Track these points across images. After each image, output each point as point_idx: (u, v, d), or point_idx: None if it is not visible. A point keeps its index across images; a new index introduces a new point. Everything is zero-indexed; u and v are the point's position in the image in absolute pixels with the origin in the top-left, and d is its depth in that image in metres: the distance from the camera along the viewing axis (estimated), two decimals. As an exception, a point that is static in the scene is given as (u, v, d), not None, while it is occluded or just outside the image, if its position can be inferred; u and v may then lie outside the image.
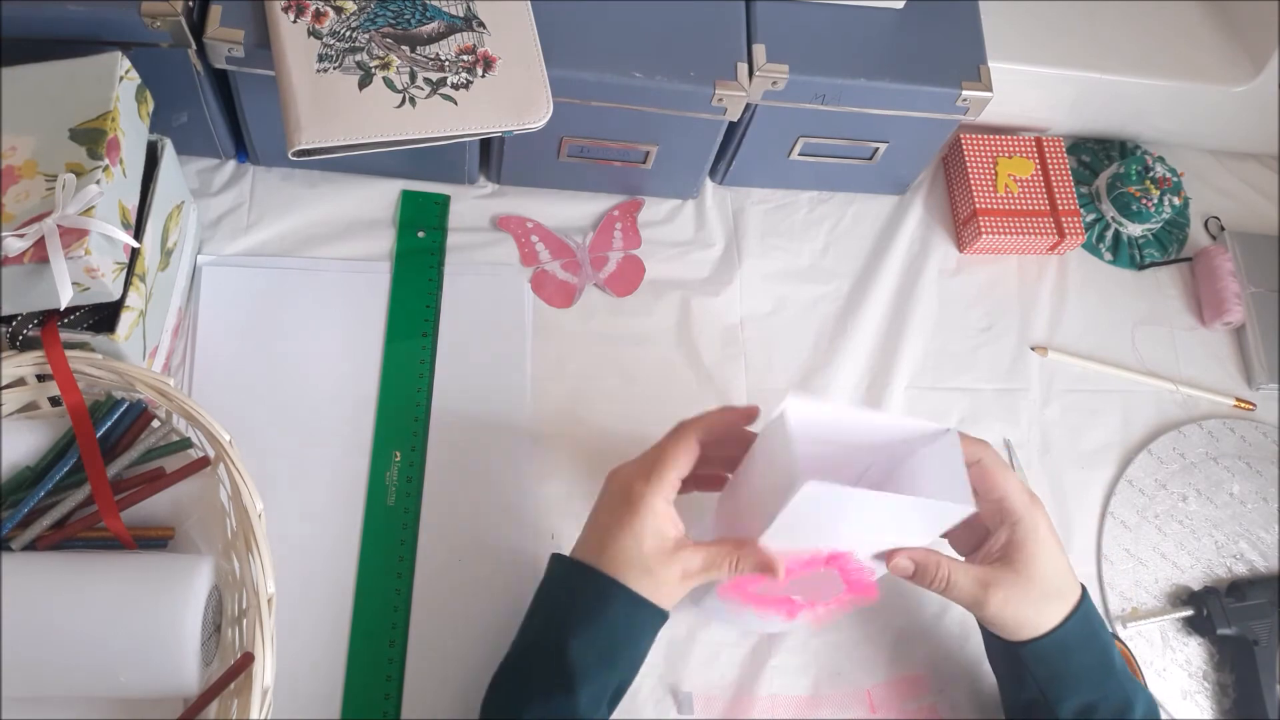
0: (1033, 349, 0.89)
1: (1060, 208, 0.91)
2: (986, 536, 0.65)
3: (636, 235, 0.86)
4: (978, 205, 0.90)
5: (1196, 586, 0.81)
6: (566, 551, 0.73)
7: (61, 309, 0.60)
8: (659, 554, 0.59)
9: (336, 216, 0.82)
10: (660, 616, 0.60)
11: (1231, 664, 0.78)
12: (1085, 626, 0.64)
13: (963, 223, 0.92)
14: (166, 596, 0.57)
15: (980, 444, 0.65)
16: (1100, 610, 0.79)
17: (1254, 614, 0.78)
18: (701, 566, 0.60)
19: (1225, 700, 0.78)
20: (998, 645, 0.66)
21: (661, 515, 0.60)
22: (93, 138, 0.60)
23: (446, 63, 0.69)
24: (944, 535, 0.67)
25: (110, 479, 0.62)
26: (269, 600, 0.57)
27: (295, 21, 0.68)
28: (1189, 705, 0.77)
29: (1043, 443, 0.85)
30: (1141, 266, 0.95)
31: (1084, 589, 0.65)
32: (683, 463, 0.61)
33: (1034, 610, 0.63)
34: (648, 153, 0.81)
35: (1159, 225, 0.95)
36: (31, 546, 0.61)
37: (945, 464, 0.60)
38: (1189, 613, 0.79)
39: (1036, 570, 0.62)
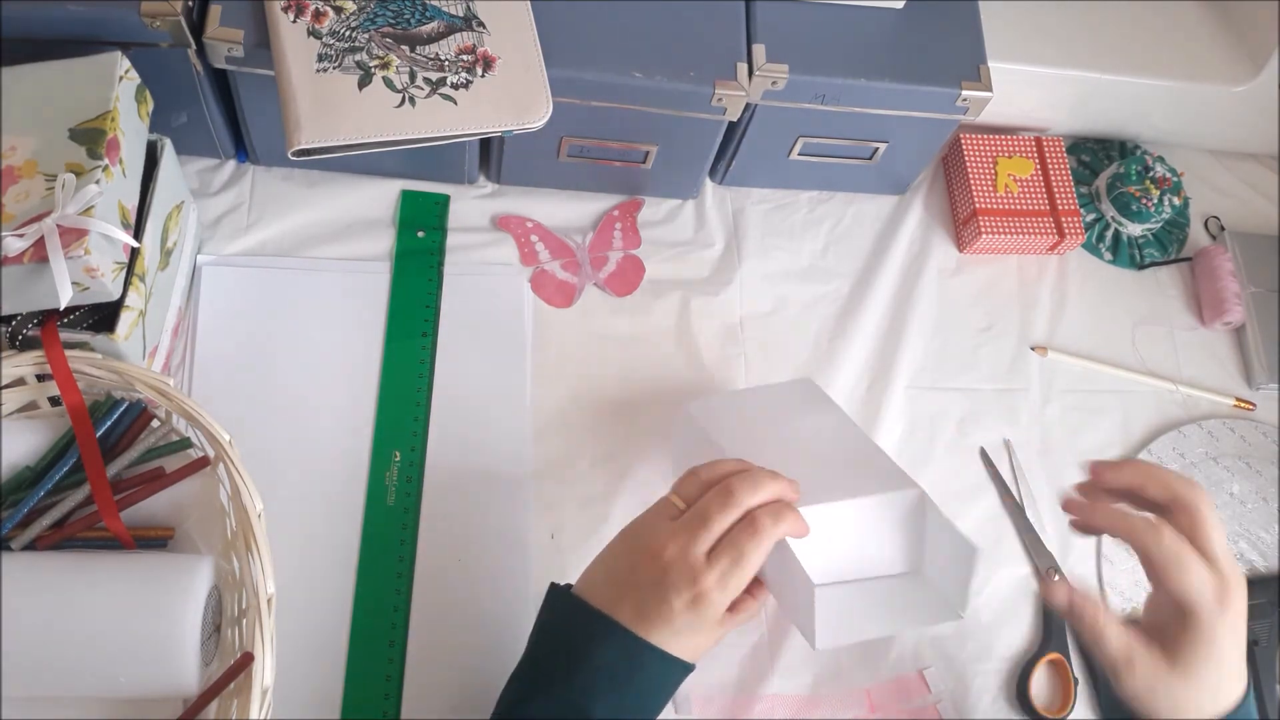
0: (1033, 349, 0.89)
1: (1060, 208, 0.91)
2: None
3: (636, 235, 0.86)
4: (978, 205, 0.90)
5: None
6: (564, 549, 0.74)
7: (61, 309, 0.60)
8: (709, 636, 0.57)
9: (336, 216, 0.82)
10: (690, 670, 0.58)
11: None
12: None
13: (963, 223, 0.92)
14: (166, 596, 0.57)
15: (1151, 530, 0.56)
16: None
17: (1253, 614, 0.78)
18: (741, 623, 0.60)
19: None
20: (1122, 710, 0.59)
21: (721, 619, 0.57)
22: (92, 138, 0.60)
23: (446, 62, 0.69)
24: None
25: (110, 479, 0.62)
26: (269, 600, 0.57)
27: (295, 21, 0.68)
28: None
29: (1043, 443, 0.85)
30: (1141, 266, 0.95)
31: (1248, 687, 0.58)
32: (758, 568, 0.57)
33: (1174, 703, 0.56)
34: (648, 153, 0.81)
35: (1159, 225, 0.95)
36: (31, 546, 0.61)
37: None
38: None
39: (1193, 670, 0.56)
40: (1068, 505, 0.60)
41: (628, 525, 0.61)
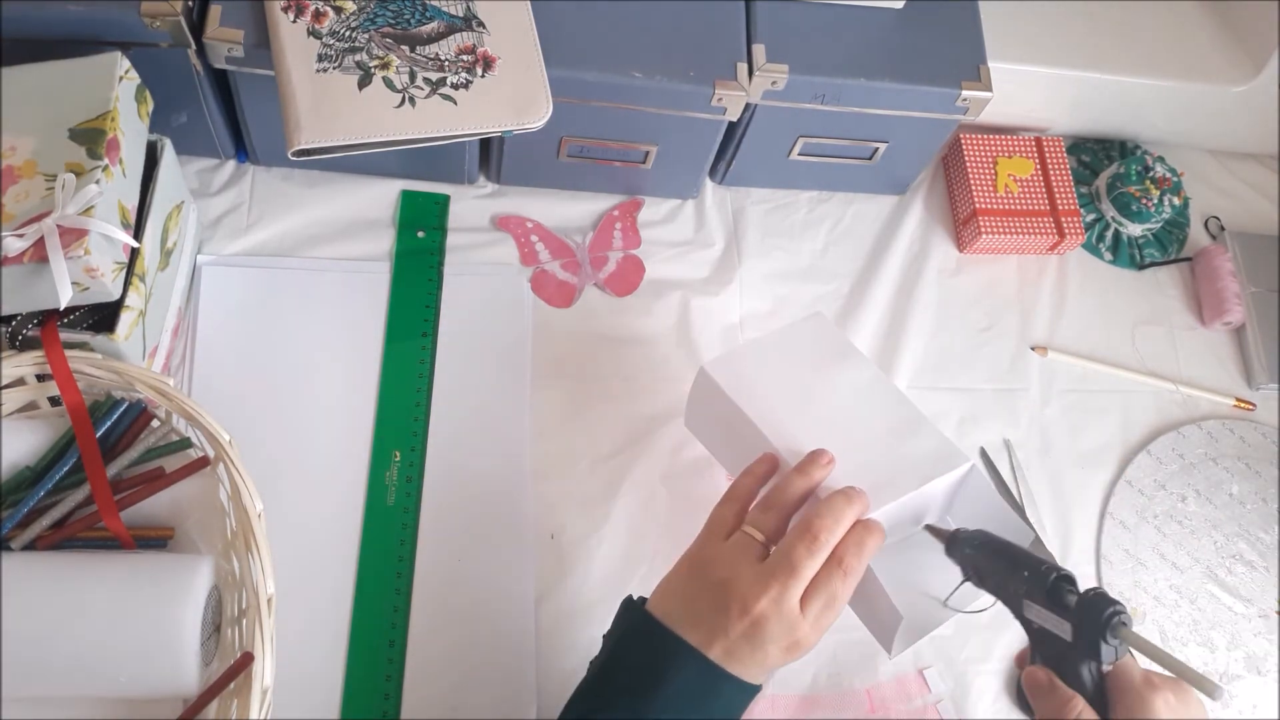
0: (1033, 349, 0.89)
1: (1060, 208, 0.91)
2: None
3: (636, 235, 0.86)
4: (977, 205, 0.90)
5: (1152, 566, 0.81)
6: (564, 549, 0.74)
7: (61, 309, 0.60)
8: (782, 654, 0.56)
9: (336, 216, 0.82)
10: (758, 691, 0.57)
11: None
12: None
13: (962, 223, 0.92)
14: (166, 596, 0.57)
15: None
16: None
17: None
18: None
19: None
20: None
21: (795, 623, 0.56)
22: (92, 138, 0.60)
23: (446, 63, 0.69)
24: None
25: (110, 479, 0.62)
26: (269, 600, 0.57)
27: (295, 21, 0.68)
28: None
29: (1042, 443, 0.85)
30: (1141, 266, 0.95)
31: None
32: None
33: None
34: (648, 153, 0.81)
35: (1159, 225, 0.95)
36: (31, 546, 0.61)
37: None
38: None
39: None
40: None
41: (701, 551, 0.59)
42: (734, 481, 0.62)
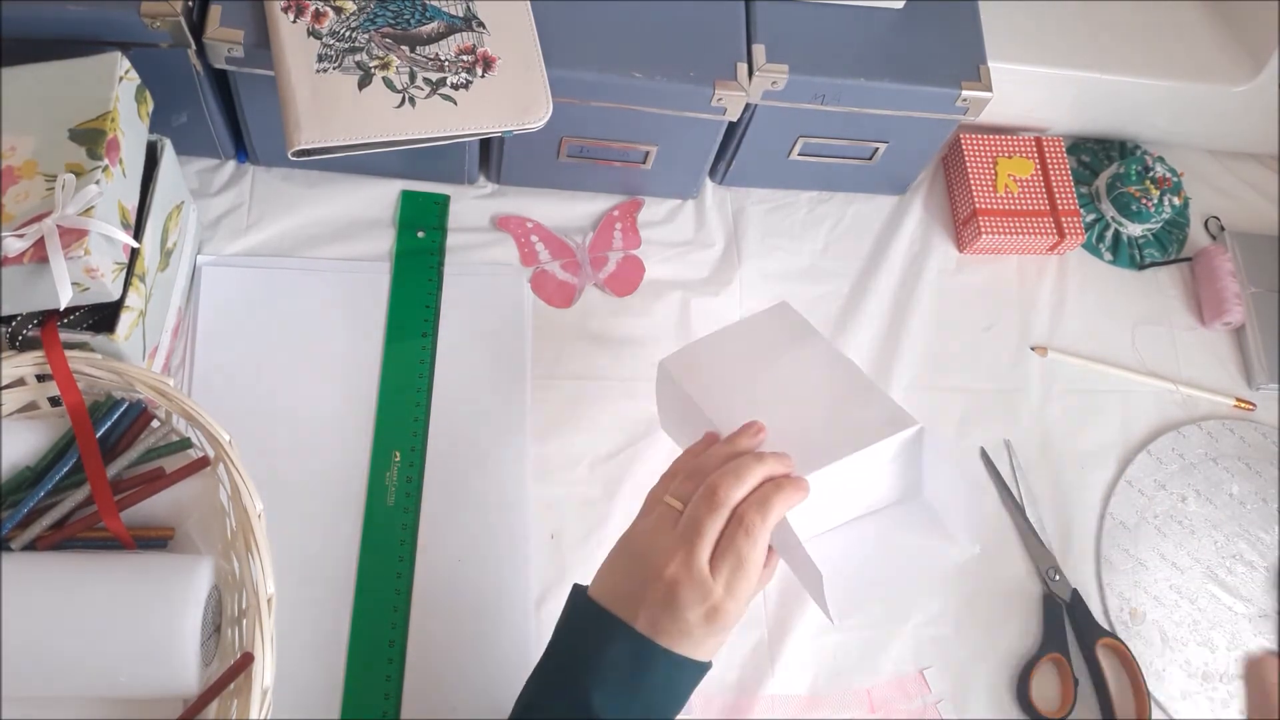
0: (1033, 349, 0.89)
1: (1060, 208, 0.91)
2: None
3: (636, 235, 0.86)
4: (978, 205, 0.90)
5: (1151, 567, 0.81)
6: (564, 549, 0.74)
7: (61, 309, 0.60)
8: (704, 622, 0.55)
9: (336, 216, 0.82)
10: (705, 670, 0.57)
11: None
12: None
13: (963, 223, 0.92)
14: (166, 596, 0.57)
15: None
16: (1099, 613, 0.79)
17: None
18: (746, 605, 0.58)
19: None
20: None
21: (742, 611, 0.57)
22: (92, 138, 0.60)
23: (446, 63, 0.69)
24: None
25: (110, 479, 0.62)
26: (269, 600, 0.57)
27: (295, 21, 0.68)
28: (1188, 706, 0.77)
29: (1042, 443, 0.85)
30: (1141, 266, 0.95)
31: None
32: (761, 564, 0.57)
33: None
34: (648, 153, 0.81)
35: (1159, 225, 0.95)
36: (31, 546, 0.61)
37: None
38: None
39: None
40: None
41: (629, 529, 0.60)
42: (673, 461, 0.62)
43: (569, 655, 0.57)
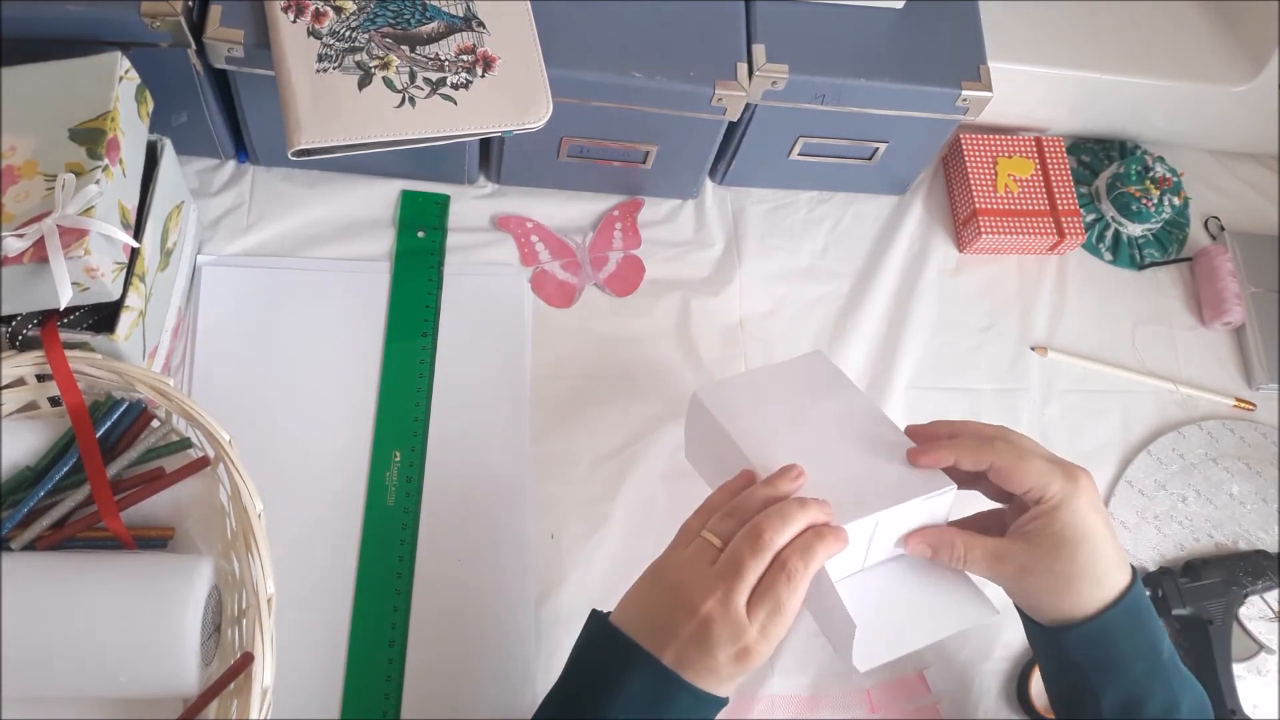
0: (1033, 349, 0.89)
1: (1060, 208, 0.91)
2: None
3: (636, 235, 0.86)
4: (978, 205, 0.90)
5: (1152, 567, 0.82)
6: (564, 549, 0.74)
7: (61, 309, 0.60)
8: (732, 663, 0.55)
9: (336, 216, 0.82)
10: (724, 705, 0.56)
11: (1188, 644, 0.78)
12: (1131, 617, 0.60)
13: (963, 223, 0.92)
14: (166, 596, 0.57)
15: (986, 446, 0.61)
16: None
17: (1208, 593, 0.79)
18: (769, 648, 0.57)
19: None
20: (1034, 626, 0.63)
21: (741, 628, 0.55)
22: (92, 138, 0.60)
23: (446, 63, 0.69)
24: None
25: (110, 479, 0.62)
26: (269, 600, 0.57)
27: (295, 21, 0.68)
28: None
29: (1042, 443, 0.84)
30: (1141, 266, 0.95)
31: (1134, 576, 0.61)
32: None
33: (1059, 594, 0.60)
34: (648, 153, 0.81)
35: (1159, 225, 0.95)
36: (31, 546, 0.61)
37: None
38: (1145, 594, 0.79)
39: (1063, 551, 0.59)
40: (911, 455, 0.63)
41: (661, 559, 0.59)
42: (709, 496, 0.62)
43: (588, 683, 0.56)
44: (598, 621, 0.58)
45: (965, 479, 0.63)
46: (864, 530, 0.60)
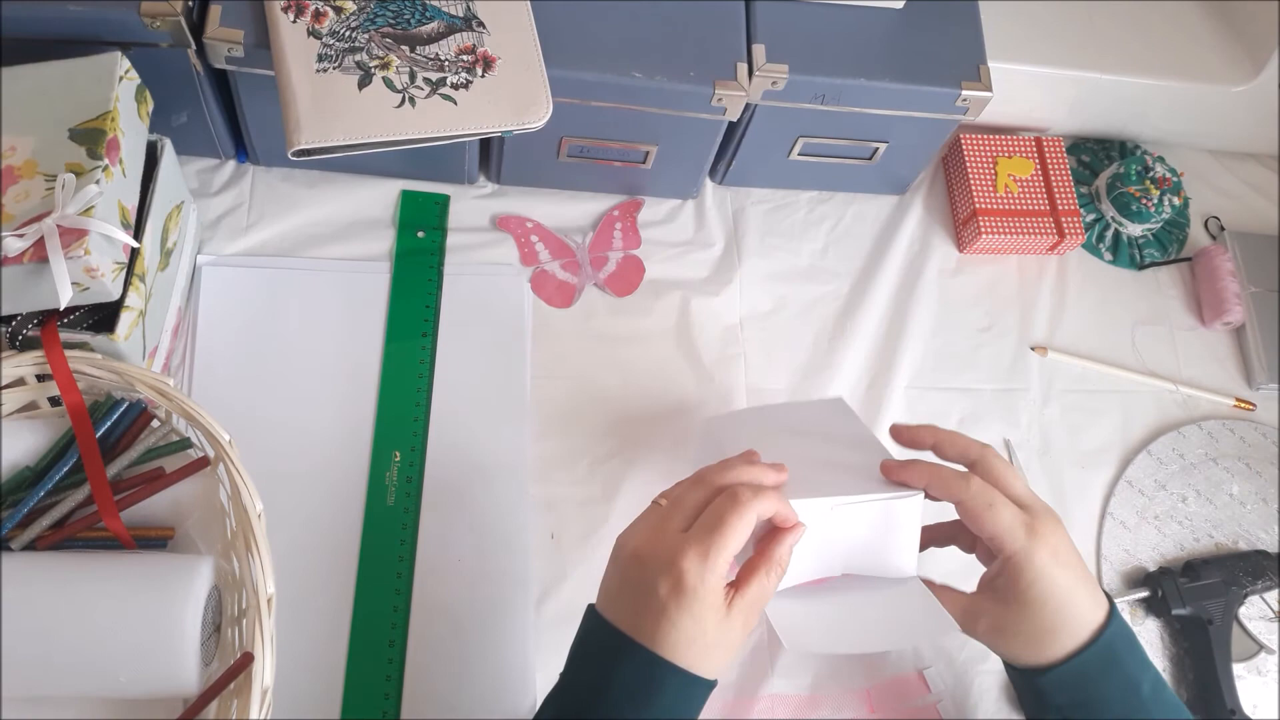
0: (1033, 349, 0.89)
1: (1060, 208, 0.91)
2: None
3: (636, 235, 0.86)
4: (977, 205, 0.90)
5: (1152, 567, 0.82)
6: (564, 549, 0.74)
7: (61, 309, 0.60)
8: (719, 631, 0.54)
9: (336, 216, 0.82)
10: (712, 687, 0.55)
11: (1188, 644, 0.78)
12: (1105, 656, 0.59)
13: (963, 223, 0.92)
14: (166, 596, 0.57)
15: (959, 482, 0.60)
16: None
17: (1208, 593, 0.79)
18: (754, 607, 0.56)
19: (1186, 678, 0.78)
20: (1011, 668, 0.64)
21: (720, 595, 0.54)
22: (92, 138, 0.60)
23: (446, 63, 0.69)
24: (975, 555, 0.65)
25: (110, 479, 0.62)
26: (269, 600, 0.57)
27: (295, 21, 0.68)
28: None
29: (1042, 443, 0.85)
30: (1141, 266, 0.95)
31: (1111, 613, 0.60)
32: (740, 541, 0.55)
33: (1030, 644, 0.60)
34: (648, 153, 0.81)
35: (1159, 225, 0.95)
36: (31, 546, 0.61)
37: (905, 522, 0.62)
38: (1144, 594, 0.79)
39: (1030, 610, 0.59)
40: (884, 467, 0.62)
41: (619, 535, 0.59)
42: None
43: (587, 678, 0.56)
44: (589, 614, 0.58)
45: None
46: (821, 514, 0.59)
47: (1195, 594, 0.78)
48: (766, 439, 0.66)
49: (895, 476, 0.62)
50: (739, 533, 0.54)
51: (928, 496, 0.61)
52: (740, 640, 0.56)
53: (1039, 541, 0.59)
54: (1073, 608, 0.59)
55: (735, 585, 0.55)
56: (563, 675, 0.58)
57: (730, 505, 0.54)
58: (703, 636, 0.53)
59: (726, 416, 0.70)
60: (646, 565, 0.54)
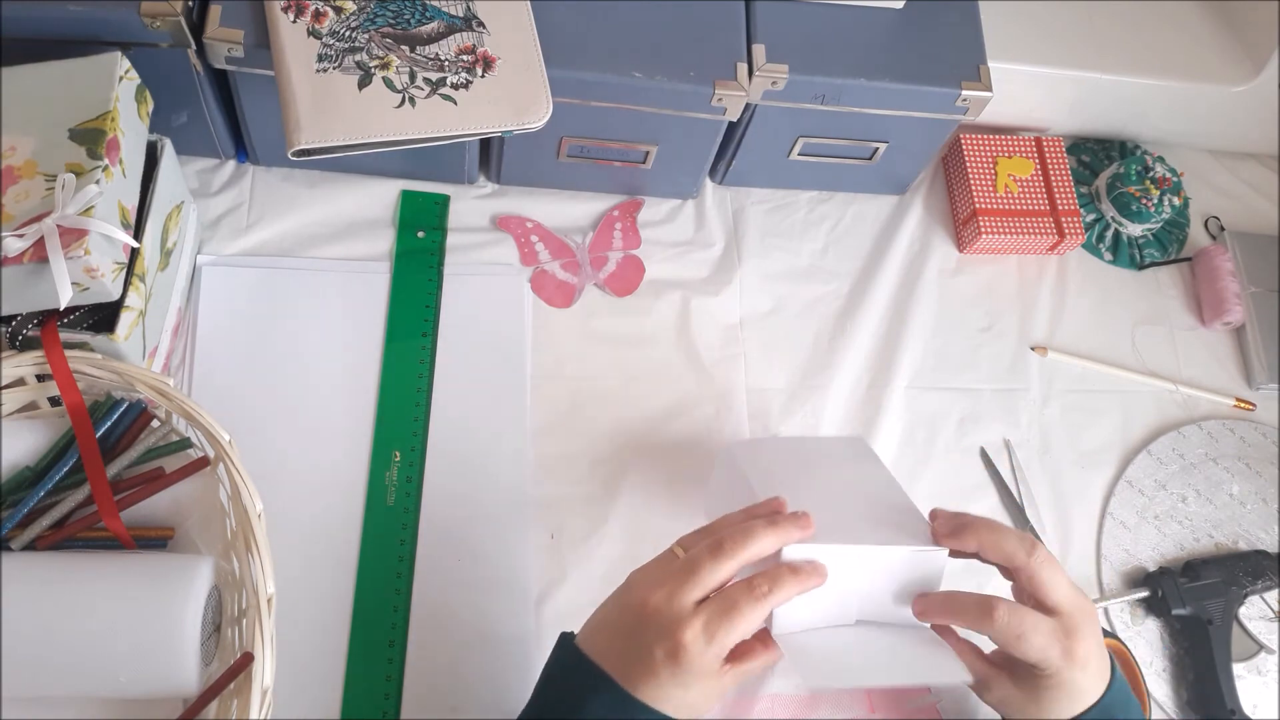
0: (1033, 349, 0.89)
1: (1060, 208, 0.91)
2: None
3: (636, 235, 0.86)
4: (977, 205, 0.90)
5: (1152, 567, 0.82)
6: (564, 549, 0.74)
7: (61, 309, 0.60)
8: (704, 697, 0.54)
9: (336, 216, 0.82)
10: None
11: (1188, 644, 0.78)
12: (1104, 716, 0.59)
13: (963, 223, 0.92)
14: (166, 596, 0.57)
15: (984, 613, 0.57)
16: (1099, 612, 0.79)
17: (1208, 593, 0.79)
18: (746, 678, 0.57)
19: (1186, 678, 0.78)
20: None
21: (715, 670, 0.54)
22: (92, 138, 0.60)
23: (446, 63, 0.69)
24: None
25: (110, 479, 0.62)
26: (269, 600, 0.57)
27: (295, 21, 0.68)
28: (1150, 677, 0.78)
29: (1042, 443, 0.85)
30: (1141, 266, 0.95)
31: (1112, 678, 0.60)
32: (749, 630, 0.55)
33: (1036, 713, 0.59)
34: (648, 153, 0.81)
35: (1159, 225, 0.95)
36: (31, 546, 0.61)
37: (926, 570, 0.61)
38: (1144, 594, 0.79)
39: (1046, 698, 0.58)
40: (916, 607, 0.60)
41: (630, 574, 0.58)
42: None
43: (557, 709, 0.55)
44: (564, 645, 0.57)
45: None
46: (843, 561, 0.58)
47: (1195, 594, 0.78)
48: (788, 474, 0.65)
49: (924, 608, 0.60)
50: (750, 623, 0.54)
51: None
52: (722, 699, 0.56)
53: (1072, 662, 0.57)
54: (1084, 695, 0.58)
55: (732, 659, 0.55)
56: (533, 699, 0.57)
57: (748, 598, 0.54)
58: (685, 699, 0.53)
59: (748, 444, 0.69)
60: (649, 624, 0.53)
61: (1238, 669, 0.78)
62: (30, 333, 0.62)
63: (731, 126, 0.81)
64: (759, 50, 0.76)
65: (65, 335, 0.62)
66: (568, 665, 0.56)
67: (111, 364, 0.62)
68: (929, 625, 0.62)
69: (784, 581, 0.55)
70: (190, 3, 0.67)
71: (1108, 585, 0.81)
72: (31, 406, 0.65)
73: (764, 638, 0.58)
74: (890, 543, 0.60)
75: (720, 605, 0.53)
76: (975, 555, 0.60)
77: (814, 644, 0.59)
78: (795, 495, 0.61)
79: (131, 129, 0.64)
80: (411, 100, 0.67)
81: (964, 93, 0.79)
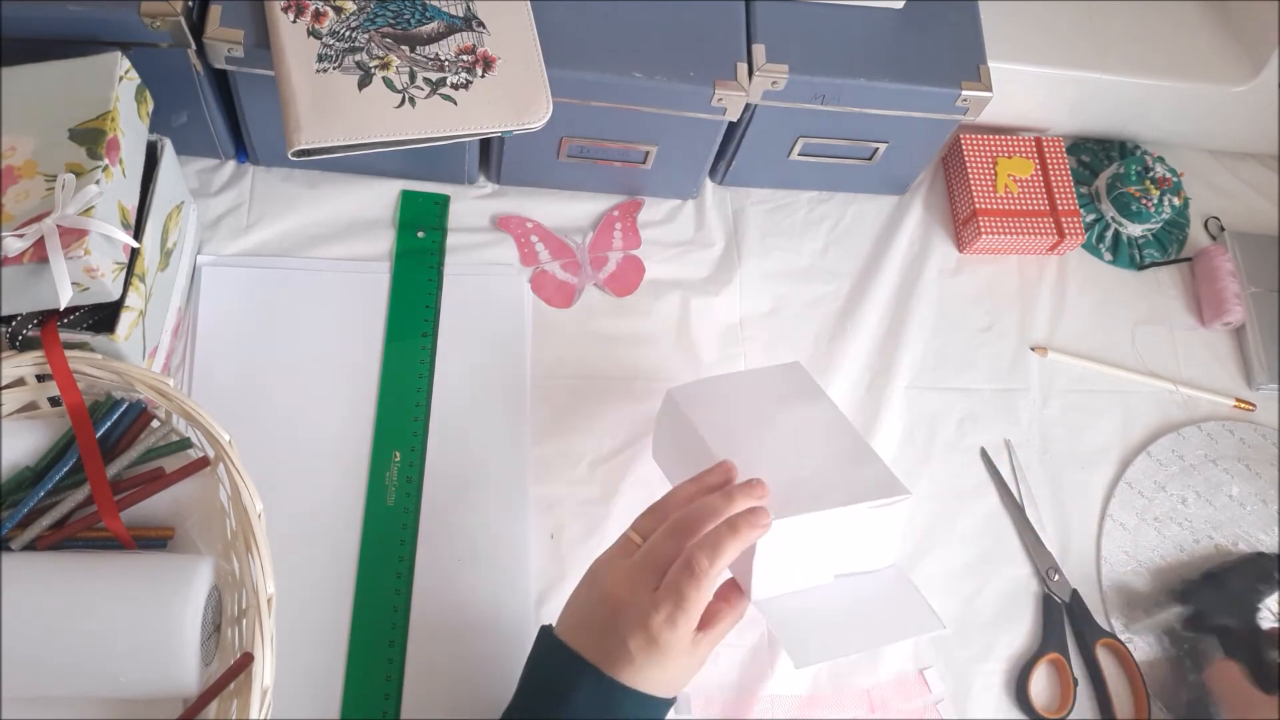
0: (1033, 349, 0.89)
1: (1060, 208, 0.91)
2: None
3: (636, 235, 0.86)
4: (977, 205, 0.90)
5: (1150, 570, 0.81)
6: (564, 549, 0.74)
7: (61, 309, 0.60)
8: (683, 668, 0.57)
9: (336, 216, 0.82)
10: (671, 704, 0.58)
11: (1189, 645, 0.78)
12: None
13: (962, 223, 0.92)
14: (166, 596, 0.57)
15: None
16: (1099, 613, 0.79)
17: (1239, 602, 0.78)
18: (720, 638, 0.58)
19: (1186, 679, 0.78)
20: None
21: (688, 641, 0.56)
22: (92, 138, 0.60)
23: (446, 63, 0.69)
24: None
25: (110, 479, 0.62)
26: (269, 600, 0.57)
27: (295, 21, 0.68)
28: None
29: (1042, 443, 0.85)
30: (1141, 266, 0.95)
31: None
32: (703, 604, 0.56)
33: None
34: (648, 153, 0.81)
35: (1159, 225, 0.95)
36: (31, 546, 0.61)
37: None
38: (1188, 609, 0.79)
39: None
40: None
41: (593, 562, 0.60)
42: (674, 488, 0.62)
43: (542, 701, 0.57)
44: (544, 634, 0.59)
45: None
46: (807, 528, 0.59)
47: (1229, 603, 0.78)
48: (736, 420, 0.67)
49: None
50: (702, 598, 0.55)
51: None
52: (702, 664, 0.58)
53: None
54: None
55: (702, 627, 0.57)
56: (518, 692, 0.59)
57: (691, 583, 0.55)
58: (664, 677, 0.56)
59: (690, 386, 0.69)
60: (619, 616, 0.56)
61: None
62: (30, 333, 0.62)
63: (731, 126, 0.81)
64: (759, 50, 0.76)
65: (65, 335, 0.62)
66: (552, 656, 0.58)
67: (111, 364, 0.62)
68: (893, 566, 0.64)
69: (722, 549, 0.56)
70: (190, 3, 0.67)
71: (1108, 585, 0.81)
72: (31, 406, 0.65)
73: (726, 594, 0.60)
74: (852, 499, 0.61)
75: (674, 598, 0.55)
76: None
77: (798, 617, 0.60)
78: (746, 446, 0.63)
79: (131, 129, 0.64)
80: (411, 100, 0.67)
81: (964, 93, 0.79)
